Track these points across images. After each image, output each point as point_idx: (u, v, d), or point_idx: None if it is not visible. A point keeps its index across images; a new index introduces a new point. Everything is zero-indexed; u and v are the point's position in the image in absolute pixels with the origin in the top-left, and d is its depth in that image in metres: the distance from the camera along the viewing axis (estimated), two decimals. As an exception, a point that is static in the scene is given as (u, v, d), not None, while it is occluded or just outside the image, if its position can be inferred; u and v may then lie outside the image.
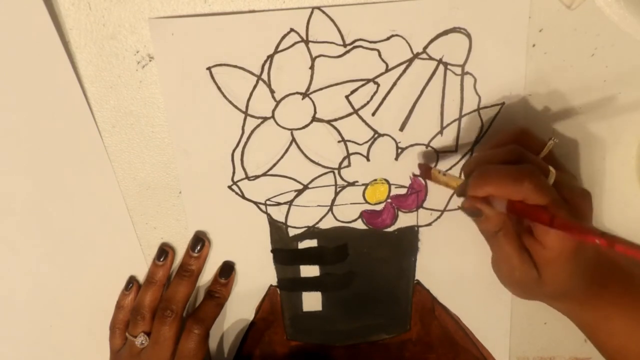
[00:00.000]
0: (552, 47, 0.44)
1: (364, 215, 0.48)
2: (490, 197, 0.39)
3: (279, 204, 0.48)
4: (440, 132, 0.46)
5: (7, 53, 0.42)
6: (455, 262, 0.50)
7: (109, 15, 0.42)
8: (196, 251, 0.48)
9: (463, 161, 0.47)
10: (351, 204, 0.48)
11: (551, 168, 0.40)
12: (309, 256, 0.49)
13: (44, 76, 0.43)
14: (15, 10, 0.41)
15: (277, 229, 0.48)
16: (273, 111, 0.45)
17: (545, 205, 0.37)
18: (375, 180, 0.47)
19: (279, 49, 0.43)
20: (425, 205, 0.48)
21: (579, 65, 0.44)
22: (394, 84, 0.44)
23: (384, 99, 0.45)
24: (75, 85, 0.43)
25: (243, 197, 0.47)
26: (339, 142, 0.46)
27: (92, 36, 0.43)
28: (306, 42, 0.43)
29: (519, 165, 0.38)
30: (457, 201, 0.43)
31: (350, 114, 0.45)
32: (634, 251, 0.33)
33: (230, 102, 0.44)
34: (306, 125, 0.45)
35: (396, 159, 0.47)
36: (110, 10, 0.42)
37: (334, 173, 0.47)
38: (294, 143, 0.46)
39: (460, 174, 0.47)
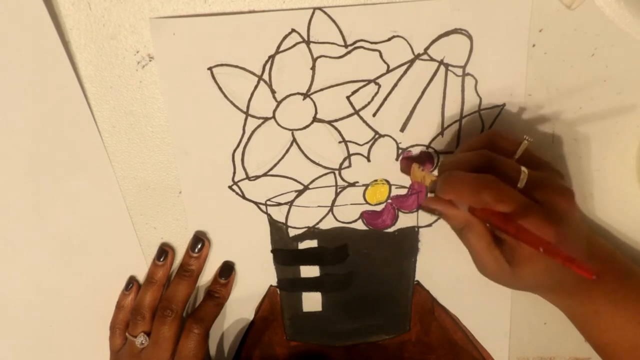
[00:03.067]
0: (552, 47, 0.44)
1: (364, 215, 0.48)
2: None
3: (279, 204, 0.48)
4: (441, 133, 0.46)
5: (7, 53, 0.42)
6: (455, 263, 0.50)
7: (109, 15, 0.42)
8: (196, 251, 0.48)
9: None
10: (351, 204, 0.48)
11: (523, 169, 0.39)
12: (309, 256, 0.49)
13: (44, 76, 0.43)
14: (15, 10, 0.40)
15: (278, 229, 0.48)
16: (274, 111, 0.45)
17: (507, 213, 0.37)
18: (376, 180, 0.47)
19: (280, 49, 0.43)
20: (425, 205, 0.48)
21: (579, 65, 0.44)
22: (395, 84, 0.44)
23: (385, 99, 0.45)
24: (75, 85, 0.43)
25: (243, 197, 0.47)
26: (339, 142, 0.46)
27: (92, 36, 0.42)
28: (307, 42, 0.43)
29: (479, 175, 0.38)
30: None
31: (351, 115, 0.45)
32: (567, 260, 0.33)
33: (231, 102, 0.44)
34: (307, 126, 0.45)
35: (397, 159, 0.47)
36: (110, 10, 0.42)
37: (334, 173, 0.47)
38: (294, 143, 0.46)
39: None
